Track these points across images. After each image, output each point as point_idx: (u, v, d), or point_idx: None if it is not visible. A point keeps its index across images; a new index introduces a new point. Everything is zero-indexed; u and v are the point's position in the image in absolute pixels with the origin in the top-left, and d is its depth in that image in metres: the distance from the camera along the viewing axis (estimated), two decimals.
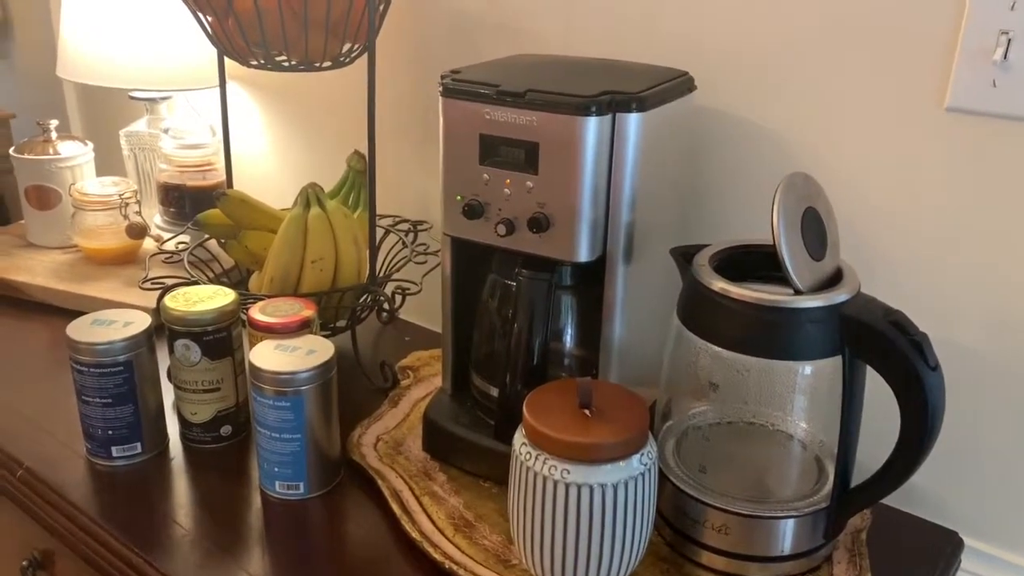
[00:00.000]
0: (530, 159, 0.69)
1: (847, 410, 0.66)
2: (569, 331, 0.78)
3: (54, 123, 1.25)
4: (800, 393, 0.72)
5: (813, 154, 0.80)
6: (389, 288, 1.02)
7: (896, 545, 0.75)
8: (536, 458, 0.62)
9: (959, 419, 0.76)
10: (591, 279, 0.73)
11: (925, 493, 0.81)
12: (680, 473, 0.72)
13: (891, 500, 0.71)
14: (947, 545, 0.76)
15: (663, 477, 0.71)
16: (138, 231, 1.18)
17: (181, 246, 1.06)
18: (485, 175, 0.72)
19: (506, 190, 0.71)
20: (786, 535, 0.69)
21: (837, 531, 0.71)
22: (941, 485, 0.80)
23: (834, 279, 0.67)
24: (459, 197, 0.73)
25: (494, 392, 0.79)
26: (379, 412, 0.90)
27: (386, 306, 1.02)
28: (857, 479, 0.68)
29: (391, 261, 1.01)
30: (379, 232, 1.02)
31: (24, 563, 0.88)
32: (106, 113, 1.53)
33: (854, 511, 0.70)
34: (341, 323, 0.97)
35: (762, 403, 0.73)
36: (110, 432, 0.81)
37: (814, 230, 0.66)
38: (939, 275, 0.77)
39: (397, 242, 1.05)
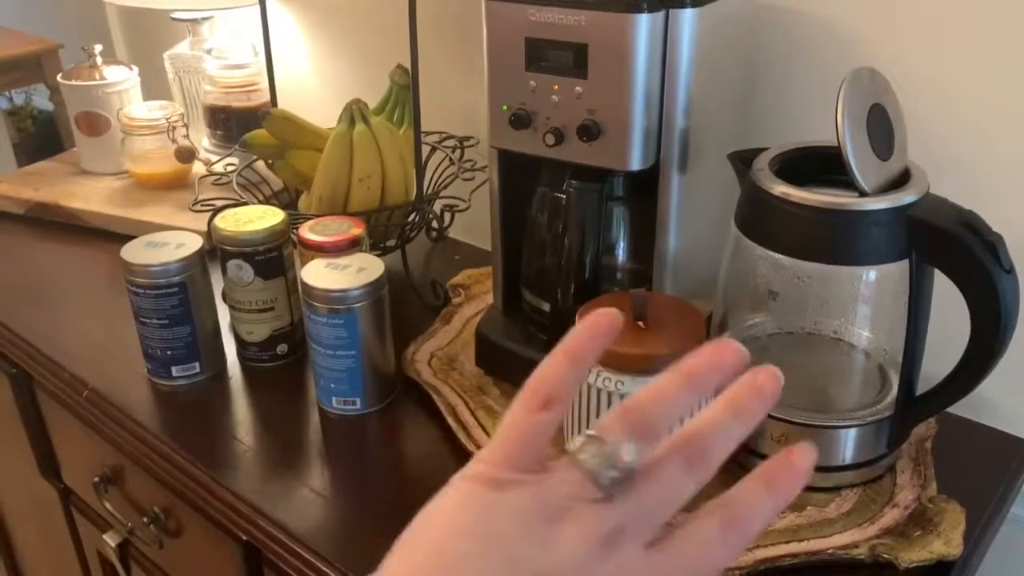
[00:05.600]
0: (579, 62, 0.66)
1: (913, 317, 0.63)
2: (622, 244, 0.77)
3: (98, 48, 1.24)
4: (863, 300, 0.69)
5: (880, 47, 0.76)
6: (437, 206, 1.01)
7: (963, 454, 0.73)
8: (590, 370, 0.61)
9: None
10: (644, 189, 0.71)
11: (995, 402, 0.78)
12: None
13: (958, 409, 0.69)
14: (1017, 453, 0.74)
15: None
16: (187, 154, 1.18)
17: (230, 168, 1.05)
18: (532, 82, 0.69)
19: (554, 97, 0.68)
20: (847, 444, 0.67)
21: (901, 440, 0.69)
22: (1012, 394, 0.78)
23: (901, 180, 0.63)
24: (505, 107, 0.71)
25: (546, 307, 0.78)
26: (432, 330, 0.90)
27: (435, 224, 1.01)
28: (921, 389, 0.66)
29: (438, 178, 1.00)
30: (425, 149, 1.00)
31: (96, 479, 0.91)
32: (149, 36, 1.52)
33: (919, 419, 0.69)
34: (391, 242, 0.96)
35: (824, 312, 0.71)
36: (169, 352, 0.83)
37: (881, 128, 0.63)
38: (1016, 173, 0.72)
39: (444, 159, 1.03)
